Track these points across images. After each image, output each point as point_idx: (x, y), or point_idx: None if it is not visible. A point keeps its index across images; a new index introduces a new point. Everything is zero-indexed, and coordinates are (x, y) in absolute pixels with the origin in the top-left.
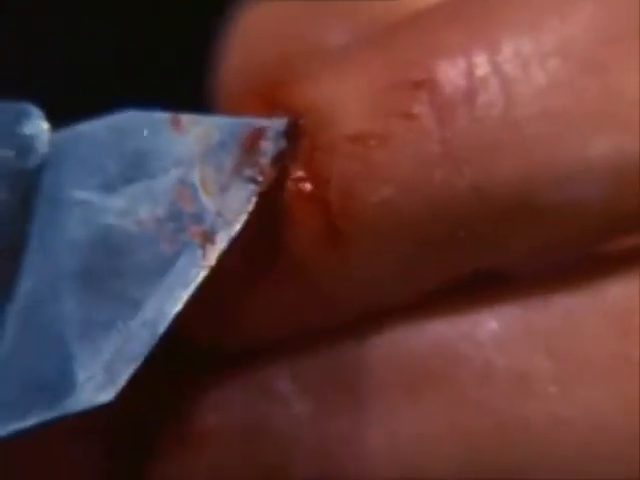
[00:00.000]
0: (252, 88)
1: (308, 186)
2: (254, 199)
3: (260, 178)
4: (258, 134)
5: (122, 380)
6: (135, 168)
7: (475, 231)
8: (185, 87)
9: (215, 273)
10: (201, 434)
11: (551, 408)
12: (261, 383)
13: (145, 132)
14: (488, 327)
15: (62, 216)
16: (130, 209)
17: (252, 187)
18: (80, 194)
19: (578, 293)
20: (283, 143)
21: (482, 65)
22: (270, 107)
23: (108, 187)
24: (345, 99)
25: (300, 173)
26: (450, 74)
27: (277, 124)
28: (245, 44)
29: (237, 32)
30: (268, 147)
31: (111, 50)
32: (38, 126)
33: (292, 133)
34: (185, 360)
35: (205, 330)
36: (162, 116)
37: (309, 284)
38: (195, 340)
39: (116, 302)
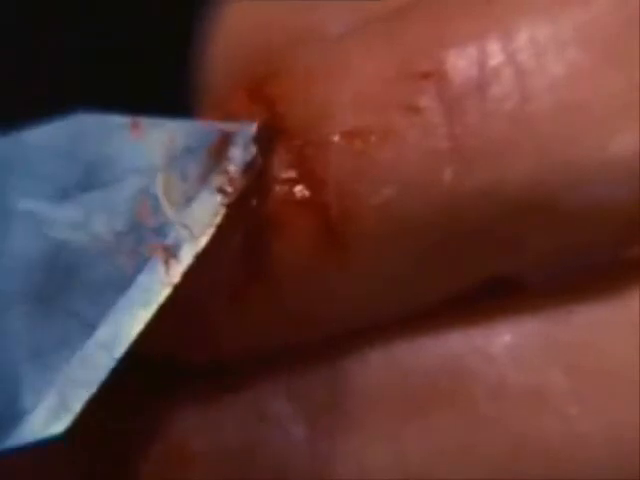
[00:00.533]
0: (238, 81)
1: (300, 188)
2: (223, 210)
3: (229, 188)
4: (226, 140)
5: (77, 407)
6: (90, 176)
7: (486, 236)
8: (169, 83)
9: (199, 287)
10: (187, 458)
11: (570, 428)
12: (253, 403)
13: (101, 137)
14: (502, 340)
15: (7, 228)
16: (84, 221)
17: (220, 198)
18: (27, 204)
19: (601, 303)
20: (254, 150)
21: (495, 54)
22: (257, 102)
23: (59, 196)
24: (342, 91)
25: (290, 174)
26: (460, 64)
27: (247, 129)
28: (230, 36)
29: (221, 24)
30: (237, 154)
31: (88, 42)
32: None
33: (265, 138)
34: (168, 378)
35: (191, 347)
36: (120, 119)
37: (304, 296)
38: (181, 357)
39: (68, 322)
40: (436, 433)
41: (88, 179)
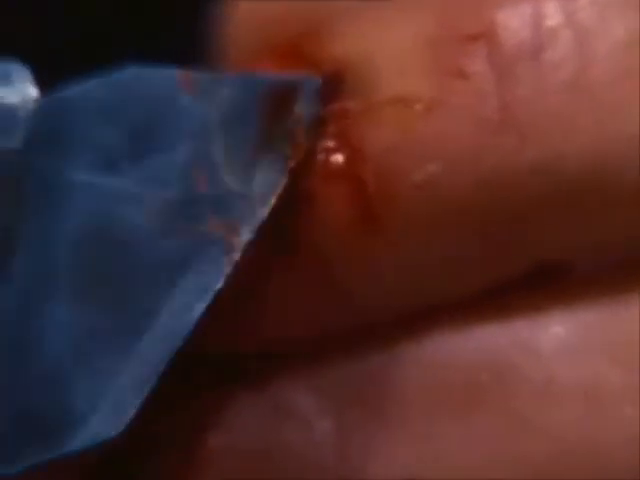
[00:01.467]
0: (270, 42)
1: (338, 159)
2: (285, 178)
3: (293, 152)
4: (290, 94)
5: (132, 410)
6: (140, 141)
7: (539, 217)
8: (185, 48)
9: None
10: (207, 456)
11: (626, 430)
12: (274, 398)
13: (150, 95)
14: (552, 333)
15: (51, 203)
16: (136, 193)
17: (283, 163)
18: (74, 174)
19: None
20: (318, 106)
21: (552, 14)
22: (293, 65)
23: (107, 165)
24: (385, 55)
25: (329, 143)
26: (513, 25)
27: (312, 81)
28: (249, 14)
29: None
30: (302, 110)
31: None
32: (23, 91)
33: (330, 93)
34: (184, 371)
35: (212, 335)
36: (172, 74)
37: (334, 280)
38: (199, 347)
39: (121, 311)
40: (474, 435)
41: (138, 145)
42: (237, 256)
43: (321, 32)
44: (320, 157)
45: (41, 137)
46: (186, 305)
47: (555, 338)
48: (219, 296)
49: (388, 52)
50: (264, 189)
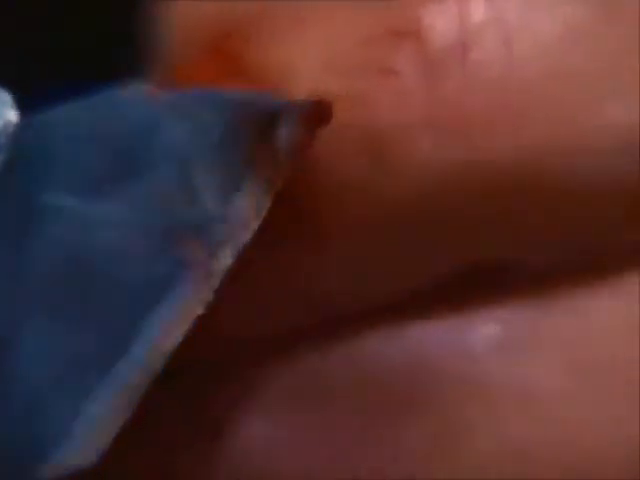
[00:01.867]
0: (203, 39)
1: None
2: (268, 202)
3: (276, 176)
4: (274, 118)
5: (109, 437)
6: (121, 163)
7: (469, 216)
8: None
9: None
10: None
11: (562, 433)
12: (209, 408)
13: (131, 116)
14: (484, 333)
15: (28, 227)
16: (114, 218)
17: (267, 186)
18: (51, 198)
19: (597, 291)
20: (303, 130)
21: (478, 13)
22: (219, 59)
23: (86, 188)
24: (309, 51)
25: None
26: (439, 23)
27: (296, 105)
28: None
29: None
30: (286, 135)
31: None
32: (4, 116)
33: (315, 117)
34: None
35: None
36: (152, 94)
37: (288, 285)
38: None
39: (97, 337)
40: (410, 437)
41: (120, 169)
42: (217, 281)
43: (247, 31)
44: None
45: (22, 161)
46: (165, 330)
47: (488, 338)
48: None
49: (314, 49)
50: (247, 213)
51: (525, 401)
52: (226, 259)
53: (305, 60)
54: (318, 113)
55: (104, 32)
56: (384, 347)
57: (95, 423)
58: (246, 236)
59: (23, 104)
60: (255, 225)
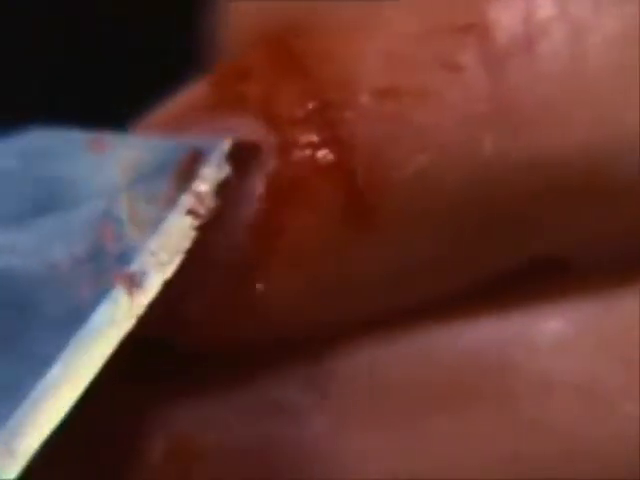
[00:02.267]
0: (263, 35)
1: (324, 153)
2: (193, 234)
3: (200, 209)
4: (197, 158)
5: (25, 458)
6: (46, 198)
7: (533, 211)
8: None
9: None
10: (194, 455)
11: (626, 428)
12: (267, 393)
13: (58, 155)
14: (547, 327)
15: None
16: (40, 248)
17: (191, 220)
18: None
19: None
20: (227, 168)
21: (544, 7)
22: (277, 57)
23: (12, 221)
24: (373, 47)
25: (311, 137)
26: (505, 17)
27: (220, 146)
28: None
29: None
30: (209, 173)
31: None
32: None
33: (241, 155)
34: (171, 366)
35: (200, 326)
36: (79, 136)
37: (327, 273)
38: (185, 339)
39: (18, 360)
40: (471, 432)
41: (44, 202)
42: (141, 308)
43: (308, 27)
44: (305, 152)
45: None
46: (87, 352)
47: (551, 333)
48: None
49: (379, 45)
50: (173, 245)
51: (588, 397)
52: (152, 289)
53: (367, 55)
54: (242, 153)
55: (164, 30)
56: (451, 341)
57: (11, 445)
58: (172, 267)
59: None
60: (181, 256)
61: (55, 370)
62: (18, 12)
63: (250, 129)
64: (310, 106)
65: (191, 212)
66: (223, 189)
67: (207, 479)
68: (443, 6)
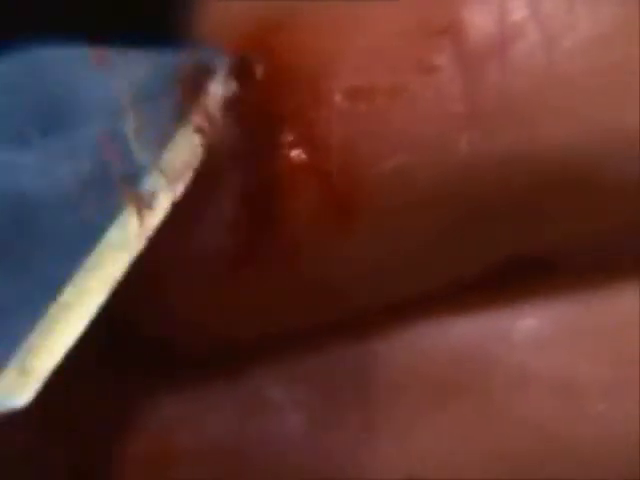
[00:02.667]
0: (241, 33)
1: (298, 152)
2: (201, 152)
3: (208, 127)
4: (204, 72)
5: (41, 377)
6: (50, 116)
7: (508, 210)
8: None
9: (192, 253)
10: (172, 455)
11: (598, 425)
12: (246, 391)
13: (60, 71)
14: (525, 325)
15: None
16: (46, 167)
17: (199, 138)
18: None
19: (634, 286)
20: (234, 84)
21: (517, 9)
22: (255, 57)
23: (17, 140)
24: (348, 46)
25: (289, 137)
26: (479, 18)
27: (226, 61)
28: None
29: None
30: (216, 88)
31: None
32: None
33: (244, 73)
34: (149, 364)
35: (177, 324)
36: (80, 51)
37: (306, 271)
38: (162, 337)
39: (30, 282)
40: (451, 425)
41: (48, 120)
42: (150, 230)
43: (283, 25)
44: (280, 151)
45: None
46: (99, 274)
47: (529, 329)
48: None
49: (354, 44)
50: (180, 164)
51: (562, 392)
52: (161, 208)
53: (343, 55)
54: (246, 68)
55: (139, 28)
56: (429, 340)
57: (26, 365)
58: (180, 187)
59: None
60: (188, 176)
61: (66, 291)
62: None
63: (224, 127)
64: (285, 105)
65: (199, 129)
66: (231, 105)
67: (184, 476)
68: (419, 7)
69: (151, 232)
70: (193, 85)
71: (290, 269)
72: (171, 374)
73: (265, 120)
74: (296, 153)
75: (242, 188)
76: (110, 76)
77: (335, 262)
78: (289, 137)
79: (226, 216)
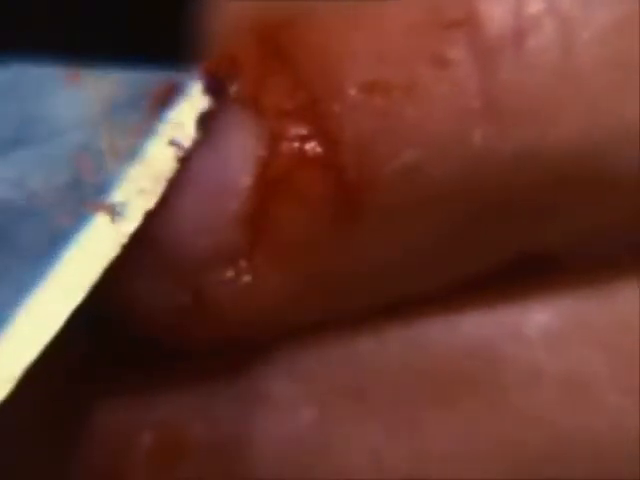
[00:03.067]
0: (253, 28)
1: (312, 146)
2: (175, 164)
3: (183, 140)
4: (173, 89)
5: (9, 385)
6: (25, 131)
7: (521, 205)
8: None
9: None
10: (183, 448)
11: (612, 419)
12: (254, 384)
13: (36, 89)
14: (536, 321)
15: None
16: (20, 178)
17: (173, 151)
18: None
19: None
20: (207, 100)
21: (534, 2)
22: (267, 49)
23: None
24: (362, 41)
25: (301, 130)
26: (495, 11)
27: (196, 77)
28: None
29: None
30: (188, 104)
31: None
32: None
33: (218, 89)
34: (157, 358)
35: (182, 321)
36: (55, 70)
37: (315, 267)
38: (167, 333)
39: (1, 290)
40: (460, 423)
41: (23, 134)
42: (124, 237)
43: (297, 21)
44: (292, 144)
45: None
46: (71, 281)
47: (539, 325)
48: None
49: (368, 39)
50: (152, 176)
51: (574, 387)
52: (135, 217)
53: (357, 49)
54: (220, 86)
55: (154, 21)
56: (439, 336)
57: None
58: (154, 197)
59: None
60: (163, 185)
61: (38, 300)
62: None
63: (238, 120)
64: (299, 99)
65: (173, 143)
66: (206, 121)
67: (193, 471)
68: (433, 0)
69: (124, 240)
70: (162, 101)
71: (298, 264)
72: (180, 369)
73: (278, 114)
74: (310, 146)
75: (253, 179)
76: (82, 94)
77: (343, 257)
78: (303, 131)
79: (233, 210)
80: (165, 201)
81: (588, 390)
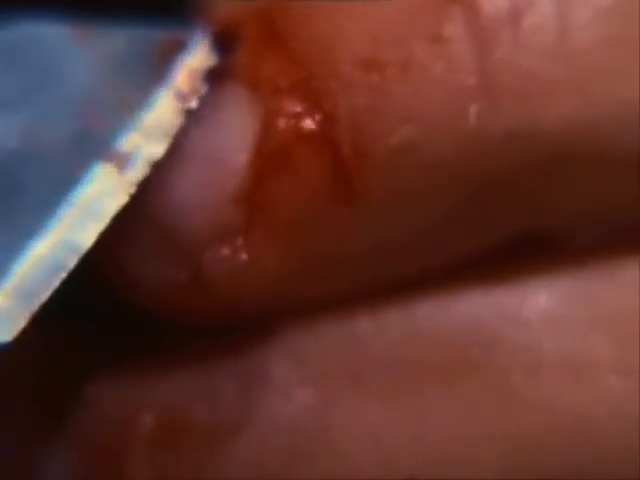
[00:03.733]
0: (248, 6)
1: (309, 123)
2: (182, 117)
3: (189, 94)
4: (181, 45)
5: (21, 322)
6: (34, 85)
7: (517, 186)
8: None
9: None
10: (179, 430)
11: (615, 404)
12: (254, 365)
13: (43, 46)
14: (537, 303)
15: None
16: (28, 128)
17: (178, 104)
18: None
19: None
20: (214, 55)
21: None
22: (264, 30)
23: (6, 106)
24: (358, 18)
25: (296, 107)
26: None
27: (204, 35)
28: None
29: None
30: (196, 59)
31: None
32: None
33: (227, 47)
34: (159, 336)
35: (179, 298)
36: (62, 28)
37: (312, 245)
38: (165, 311)
39: (10, 233)
40: (460, 406)
41: (32, 87)
42: (131, 185)
43: (293, 4)
44: (289, 121)
45: None
46: (78, 226)
47: (540, 307)
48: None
49: (362, 16)
50: (158, 126)
51: (574, 370)
52: (142, 168)
53: (352, 27)
54: (229, 42)
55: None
56: (439, 318)
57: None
58: (161, 148)
59: None
60: (170, 136)
61: (47, 243)
62: None
63: (234, 96)
64: (295, 76)
65: (179, 97)
66: (213, 75)
67: (195, 452)
68: None
69: (132, 190)
70: (169, 56)
71: (294, 241)
72: (179, 350)
73: (273, 89)
74: (306, 123)
75: (249, 156)
76: (90, 49)
77: (339, 235)
78: (299, 108)
79: (230, 188)
80: (162, 179)
81: (588, 373)
